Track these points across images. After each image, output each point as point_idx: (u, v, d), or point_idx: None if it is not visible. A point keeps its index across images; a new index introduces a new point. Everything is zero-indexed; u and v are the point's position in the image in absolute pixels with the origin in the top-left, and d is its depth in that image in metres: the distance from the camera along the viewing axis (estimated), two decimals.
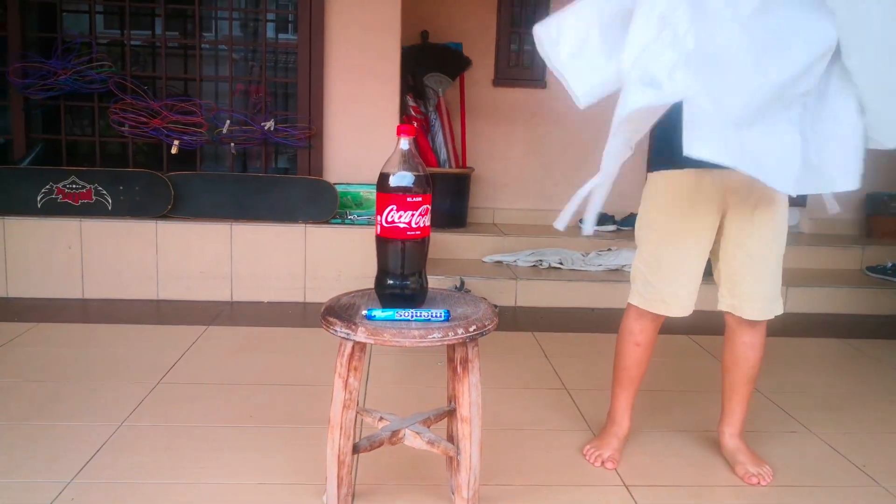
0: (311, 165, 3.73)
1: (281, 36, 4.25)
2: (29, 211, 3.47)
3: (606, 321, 3.43)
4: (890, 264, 3.93)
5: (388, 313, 1.46)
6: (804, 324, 3.51)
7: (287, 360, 2.69)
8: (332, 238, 3.58)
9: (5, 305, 3.34)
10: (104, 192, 3.53)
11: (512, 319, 3.41)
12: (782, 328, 3.37)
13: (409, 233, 1.48)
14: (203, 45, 3.82)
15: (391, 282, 1.51)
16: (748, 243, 1.78)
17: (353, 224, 3.64)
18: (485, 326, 1.47)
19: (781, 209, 1.78)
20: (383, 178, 1.49)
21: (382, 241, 1.50)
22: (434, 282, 3.52)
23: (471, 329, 1.44)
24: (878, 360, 2.99)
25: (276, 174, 3.85)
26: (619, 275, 3.75)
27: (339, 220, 3.65)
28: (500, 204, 4.57)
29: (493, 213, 4.57)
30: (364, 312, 1.46)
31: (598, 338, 3.16)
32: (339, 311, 1.51)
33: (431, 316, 1.46)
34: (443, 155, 4.25)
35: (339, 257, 3.55)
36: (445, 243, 4.07)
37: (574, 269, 3.81)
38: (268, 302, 3.53)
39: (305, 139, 3.68)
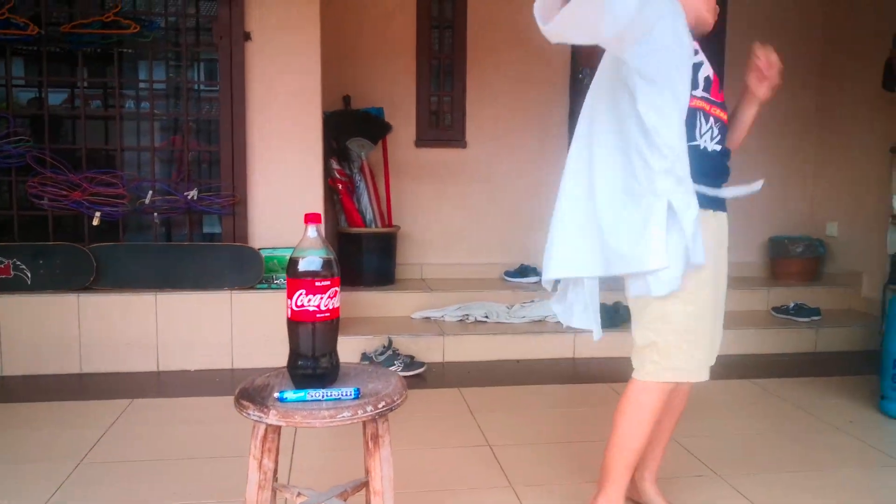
0: (235, 232, 3.77)
1: (204, 105, 4.30)
2: None
3: (531, 372, 3.56)
4: (793, 304, 4.19)
5: (300, 394, 1.52)
6: (715, 366, 3.69)
7: (213, 431, 2.70)
8: (259, 303, 3.61)
9: None
10: (23, 266, 3.48)
11: (440, 376, 3.49)
12: None
13: (318, 315, 1.55)
14: (124, 116, 3.85)
15: (303, 363, 1.58)
16: (720, 299, 1.94)
17: (280, 288, 3.68)
18: (394, 402, 1.54)
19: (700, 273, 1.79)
20: (292, 263, 1.57)
21: (293, 325, 1.57)
22: (363, 341, 3.61)
23: (380, 405, 1.51)
24: (784, 399, 3.18)
25: (200, 242, 3.87)
26: (541, 326, 3.88)
27: (266, 286, 3.68)
28: (428, 259, 4.68)
29: (422, 268, 4.67)
30: (276, 395, 1.52)
31: (523, 390, 3.27)
32: (253, 394, 1.56)
33: (342, 395, 1.52)
34: (369, 215, 4.35)
35: (267, 322, 3.58)
36: (374, 301, 4.14)
37: (499, 322, 3.93)
38: (195, 370, 3.52)
39: (229, 206, 3.72)
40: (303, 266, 1.56)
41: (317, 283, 1.55)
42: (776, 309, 4.26)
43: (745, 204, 4.91)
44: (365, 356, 3.51)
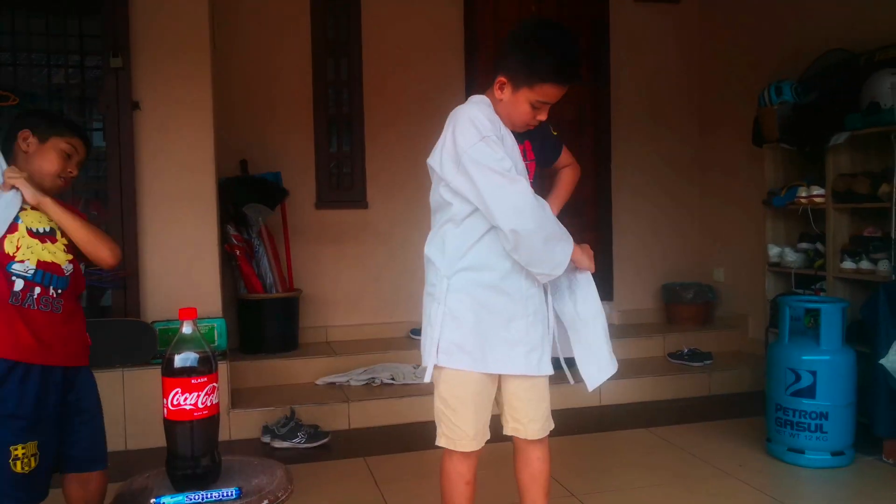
0: (127, 305, 3.63)
1: (91, 175, 4.16)
2: None
3: (434, 434, 3.54)
4: (686, 350, 4.37)
5: (178, 498, 1.47)
6: (615, 415, 3.80)
7: None
8: (154, 380, 3.40)
9: None
10: None
11: (345, 445, 3.42)
12: (598, 423, 3.65)
13: (196, 414, 1.52)
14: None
15: (182, 463, 1.52)
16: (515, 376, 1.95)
17: None
18: (277, 498, 1.51)
19: None
20: (167, 362, 1.53)
21: (170, 424, 1.52)
22: (264, 413, 3.53)
23: (263, 503, 1.47)
24: (679, 446, 3.29)
25: (88, 318, 3.69)
26: None
27: (161, 360, 3.54)
28: (332, 321, 4.63)
29: (326, 331, 4.61)
30: (153, 500, 1.46)
31: (427, 455, 3.23)
32: (129, 500, 1.50)
33: (223, 495, 1.48)
34: (269, 279, 4.28)
35: (147, 397, 3.43)
36: (276, 369, 4.06)
37: (406, 384, 3.91)
38: None
39: (119, 279, 3.59)
40: (178, 363, 1.53)
41: (193, 381, 1.52)
42: (672, 355, 4.43)
43: (638, 252, 5.15)
44: (266, 429, 3.42)
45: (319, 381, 3.99)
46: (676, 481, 2.88)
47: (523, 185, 1.80)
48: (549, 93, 1.82)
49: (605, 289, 5.09)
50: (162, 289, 3.68)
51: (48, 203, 1.84)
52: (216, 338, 3.64)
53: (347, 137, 4.74)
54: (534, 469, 2.00)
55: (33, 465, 1.75)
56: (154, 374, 3.44)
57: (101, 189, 3.72)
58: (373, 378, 3.94)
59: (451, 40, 4.77)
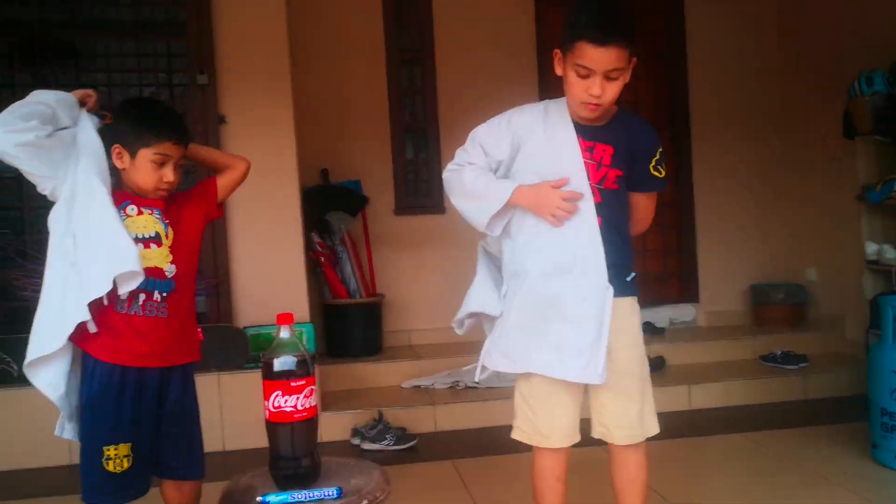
0: (220, 312, 3.77)
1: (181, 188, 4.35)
2: None
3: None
4: (780, 352, 4.20)
5: (283, 497, 1.51)
6: (708, 421, 3.69)
7: None
8: (247, 383, 3.57)
9: None
10: (8, 359, 3.46)
11: (431, 448, 3.45)
12: (689, 428, 3.56)
13: (296, 416, 1.56)
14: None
15: (284, 464, 1.57)
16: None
17: None
18: (376, 498, 1.54)
19: (632, 338, 1.90)
20: (267, 365, 1.58)
21: (272, 426, 1.57)
22: (353, 416, 3.58)
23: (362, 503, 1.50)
24: (776, 452, 3.16)
25: None
26: None
27: (254, 364, 3.66)
28: (415, 326, 4.68)
29: (409, 335, 4.66)
30: (259, 498, 1.51)
31: (517, 458, 3.21)
32: (236, 497, 1.55)
33: (324, 495, 1.52)
34: (352, 285, 4.36)
35: (256, 401, 3.50)
36: (362, 373, 4.13)
37: (491, 387, 3.91)
38: None
39: (213, 288, 3.73)
40: (277, 367, 1.58)
41: (292, 384, 1.57)
42: (763, 357, 4.27)
43: (724, 253, 5.00)
44: (356, 431, 3.48)
45: (404, 385, 4.04)
46: (775, 489, 2.77)
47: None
48: (589, 55, 1.68)
49: (692, 291, 4.98)
50: (252, 296, 3.81)
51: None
52: (304, 343, 3.74)
53: (423, 144, 4.79)
54: (630, 474, 1.94)
55: (126, 465, 1.77)
56: (246, 377, 3.58)
57: None
58: (457, 381, 3.96)
59: (522, 43, 4.76)
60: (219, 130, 3.74)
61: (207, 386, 3.52)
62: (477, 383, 3.92)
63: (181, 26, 3.80)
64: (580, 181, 1.80)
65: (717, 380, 3.96)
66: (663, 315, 4.89)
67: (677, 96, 4.98)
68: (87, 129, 1.81)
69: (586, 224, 1.81)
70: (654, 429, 1.94)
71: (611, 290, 1.82)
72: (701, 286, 4.98)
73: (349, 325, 4.32)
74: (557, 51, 1.79)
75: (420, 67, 4.76)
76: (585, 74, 1.72)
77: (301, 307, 3.81)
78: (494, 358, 1.93)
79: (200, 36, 3.72)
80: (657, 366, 4.10)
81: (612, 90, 1.73)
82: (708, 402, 3.87)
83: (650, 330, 4.61)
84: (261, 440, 3.42)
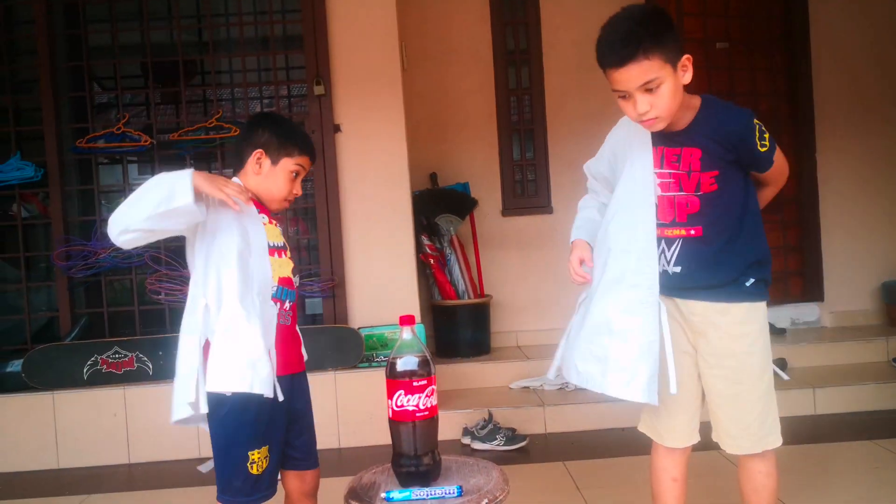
0: (336, 313, 3.93)
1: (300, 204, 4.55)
2: (76, 384, 3.67)
3: (636, 441, 3.45)
4: None
5: (405, 494, 1.57)
6: (834, 427, 3.51)
7: None
8: (361, 382, 3.71)
9: (57, 478, 3.49)
10: (145, 358, 3.74)
11: (542, 449, 3.46)
12: (813, 434, 3.39)
13: (418, 414, 1.62)
14: None
15: (406, 461, 1.63)
16: (713, 381, 1.85)
17: (380, 366, 3.78)
18: (496, 498, 1.57)
19: (746, 345, 1.83)
20: (390, 365, 1.65)
21: (395, 424, 1.64)
22: (463, 416, 3.64)
23: (483, 503, 1.54)
24: None
25: (304, 325, 4.03)
26: None
27: (367, 364, 3.79)
28: (522, 327, 4.69)
29: (516, 336, 4.69)
30: (383, 495, 1.58)
31: (629, 461, 3.18)
32: (361, 494, 1.63)
33: (445, 493, 1.57)
34: (461, 286, 4.43)
35: (370, 400, 3.67)
36: (471, 373, 4.18)
37: None
38: None
39: (329, 290, 3.89)
40: (400, 367, 1.64)
41: (414, 384, 1.62)
42: None
43: (851, 249, 4.73)
44: (466, 431, 3.54)
45: (513, 385, 4.07)
46: None
47: None
48: (615, 79, 1.66)
49: (816, 289, 4.73)
50: (365, 297, 3.94)
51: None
52: None
53: (530, 145, 4.80)
54: (756, 483, 1.89)
55: (265, 466, 1.84)
56: (360, 376, 3.71)
57: (310, 206, 4.05)
58: (566, 382, 3.94)
59: None
60: (334, 139, 3.89)
61: (324, 384, 3.69)
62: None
63: (299, 39, 3.99)
64: (646, 205, 1.79)
65: (845, 383, 3.76)
66: (784, 315, 4.68)
67: (800, 85, 4.75)
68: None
69: (642, 239, 1.79)
70: (774, 441, 1.86)
71: (664, 307, 1.79)
72: (826, 284, 4.72)
73: (458, 326, 4.38)
74: None
75: (527, 67, 4.77)
76: (624, 96, 1.70)
77: (412, 308, 3.91)
78: (555, 363, 1.96)
79: (317, 48, 3.89)
80: (780, 367, 3.93)
81: (661, 99, 1.66)
82: (834, 406, 3.68)
83: (770, 331, 4.41)
84: (374, 437, 3.59)
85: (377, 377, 3.68)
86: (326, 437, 3.67)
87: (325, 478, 3.21)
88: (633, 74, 1.63)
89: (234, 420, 1.78)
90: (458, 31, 4.73)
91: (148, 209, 1.64)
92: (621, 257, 1.81)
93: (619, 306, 1.78)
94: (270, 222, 1.91)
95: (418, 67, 4.60)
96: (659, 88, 1.65)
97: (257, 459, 1.82)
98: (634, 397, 1.75)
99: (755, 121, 1.73)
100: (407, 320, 1.66)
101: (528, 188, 4.78)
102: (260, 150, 1.89)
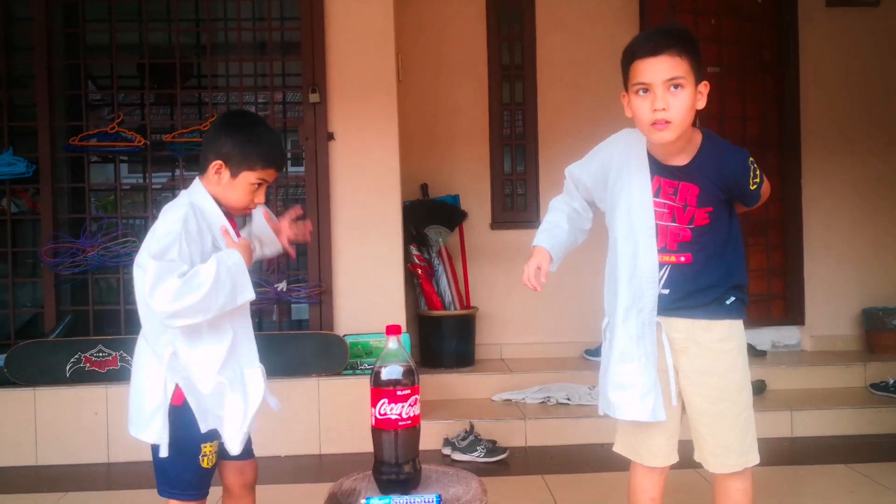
0: (322, 319, 3.94)
1: (290, 201, 4.58)
2: (58, 380, 3.66)
3: (615, 458, 3.48)
4: (892, 381, 3.99)
5: (385, 500, 1.59)
6: (811, 450, 3.56)
7: None
8: (344, 389, 3.73)
9: (35, 475, 3.47)
10: (129, 358, 3.73)
11: (522, 462, 3.48)
12: (790, 456, 3.44)
13: (400, 423, 1.64)
14: None
15: (387, 469, 1.66)
16: (696, 399, 1.88)
17: (364, 374, 3.80)
18: None
19: (728, 364, 1.87)
20: (375, 374, 1.67)
21: (377, 432, 1.66)
22: (445, 426, 3.66)
23: None
24: (888, 487, 3.01)
25: (289, 331, 4.06)
26: None
27: (351, 371, 3.81)
28: (506, 340, 4.72)
29: (501, 348, 4.72)
30: (363, 501, 1.60)
31: (608, 477, 3.21)
32: (341, 499, 1.65)
33: (424, 501, 1.59)
34: (447, 297, 4.46)
35: (353, 408, 3.68)
36: (454, 384, 4.20)
37: (581, 405, 3.90)
38: (285, 455, 3.64)
39: (316, 296, 3.91)
40: (385, 375, 1.66)
41: (398, 392, 1.65)
42: (875, 385, 4.07)
43: (834, 274, 4.79)
44: (447, 441, 3.56)
45: (495, 398, 4.09)
46: None
47: None
48: (642, 69, 1.75)
49: (797, 313, 4.79)
50: (352, 305, 3.96)
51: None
52: None
53: (521, 159, 4.85)
54: (733, 501, 1.91)
55: (214, 460, 1.88)
56: (344, 383, 3.73)
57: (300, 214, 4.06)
58: (548, 397, 3.98)
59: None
60: (328, 147, 3.92)
61: (307, 390, 3.70)
62: (568, 400, 3.94)
63: (296, 47, 4.02)
64: (647, 233, 1.85)
65: (823, 407, 3.81)
66: (765, 337, 4.74)
67: (787, 111, 4.83)
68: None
69: (645, 265, 1.85)
70: (753, 459, 1.90)
71: (661, 325, 1.86)
72: (807, 308, 4.79)
73: (443, 337, 4.41)
74: (624, 94, 1.85)
75: (521, 83, 4.83)
76: (646, 89, 1.72)
77: (399, 317, 3.93)
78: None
79: (314, 56, 3.92)
80: (758, 390, 3.98)
81: (678, 103, 1.68)
82: (811, 429, 3.73)
83: (750, 352, 4.47)
84: (356, 445, 3.60)
85: (361, 385, 3.71)
86: (308, 443, 3.68)
87: (306, 483, 3.24)
88: (663, 67, 1.68)
89: (189, 415, 1.81)
90: (453, 45, 4.78)
91: (215, 309, 1.74)
92: (630, 284, 1.87)
93: (632, 332, 1.86)
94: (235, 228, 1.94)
95: (413, 79, 4.65)
96: (681, 90, 1.68)
97: (209, 453, 1.86)
98: (656, 418, 1.84)
99: (750, 159, 1.80)
100: (393, 330, 1.69)
101: (518, 202, 4.83)
102: (219, 161, 1.84)
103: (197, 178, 1.90)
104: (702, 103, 1.74)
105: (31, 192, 4.12)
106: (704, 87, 1.74)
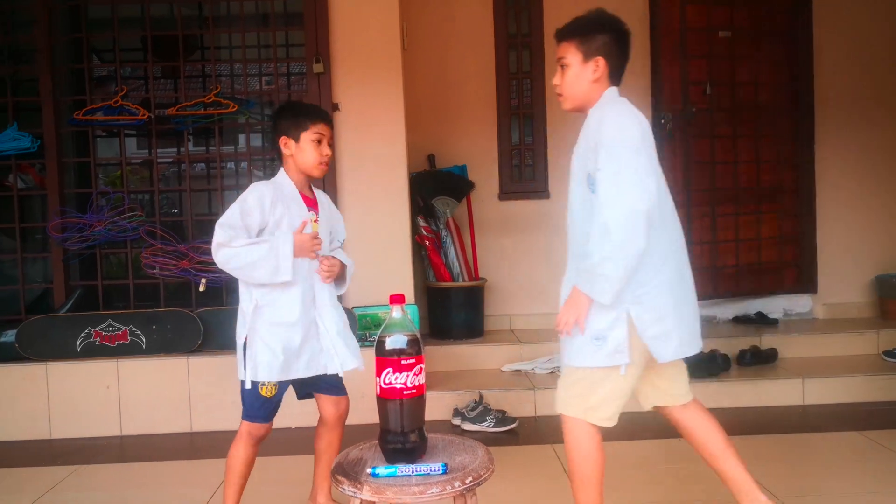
0: None
1: None
2: (69, 355, 3.69)
3: (623, 427, 3.48)
4: None
5: (391, 470, 1.59)
6: (822, 417, 3.54)
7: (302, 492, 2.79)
8: None
9: (49, 448, 3.51)
10: (138, 332, 3.75)
11: (532, 432, 3.48)
12: (801, 424, 3.42)
13: (405, 392, 1.63)
14: (225, 186, 4.12)
15: (392, 438, 1.65)
16: None
17: (373, 346, 3.79)
18: (481, 476, 1.59)
19: None
20: (380, 343, 1.66)
21: (382, 401, 1.65)
22: (454, 397, 3.67)
23: (467, 481, 1.56)
24: None
25: None
26: None
27: (360, 343, 3.80)
28: (515, 310, 4.71)
29: (510, 319, 4.70)
30: (368, 470, 1.60)
31: (617, 447, 3.20)
32: (347, 469, 1.64)
33: (430, 470, 1.58)
34: (455, 269, 4.44)
35: (360, 379, 3.66)
36: (463, 355, 4.20)
37: None
38: (295, 427, 3.66)
39: None
40: (389, 345, 1.65)
41: (403, 362, 1.64)
42: (888, 353, 4.03)
43: (847, 242, 4.73)
44: (457, 412, 3.56)
45: (505, 368, 4.09)
46: None
47: None
48: None
49: (809, 281, 4.75)
50: (359, 277, 3.91)
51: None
52: None
53: (529, 129, 4.79)
54: (705, 412, 2.17)
55: (274, 392, 2.32)
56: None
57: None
58: (557, 367, 3.96)
59: (634, 26, 4.63)
60: (333, 118, 3.87)
61: None
62: None
63: (299, 17, 3.96)
64: None
65: (834, 374, 3.78)
66: (777, 305, 4.70)
67: (801, 77, 4.74)
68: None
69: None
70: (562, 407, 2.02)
71: None
72: (820, 276, 4.74)
73: (451, 308, 4.40)
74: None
75: (528, 51, 4.75)
76: (562, 66, 2.08)
77: (406, 289, 3.92)
78: None
79: (317, 25, 3.86)
80: (770, 357, 3.95)
81: (566, 79, 2.07)
82: (823, 397, 3.71)
83: (762, 321, 4.44)
84: (363, 416, 3.59)
85: (369, 357, 3.70)
86: (316, 414, 3.69)
87: (311, 455, 3.25)
88: (558, 50, 2.06)
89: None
90: (460, 13, 4.70)
91: (253, 277, 2.22)
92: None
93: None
94: (315, 221, 2.35)
95: (419, 48, 4.58)
96: (567, 69, 2.03)
97: (268, 385, 2.31)
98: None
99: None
100: (397, 299, 1.67)
101: (526, 173, 4.78)
102: (282, 137, 2.31)
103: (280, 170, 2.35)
104: (595, 75, 2.01)
105: (37, 168, 4.11)
106: (596, 63, 2.00)
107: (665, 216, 1.92)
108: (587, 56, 2.00)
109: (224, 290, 3.92)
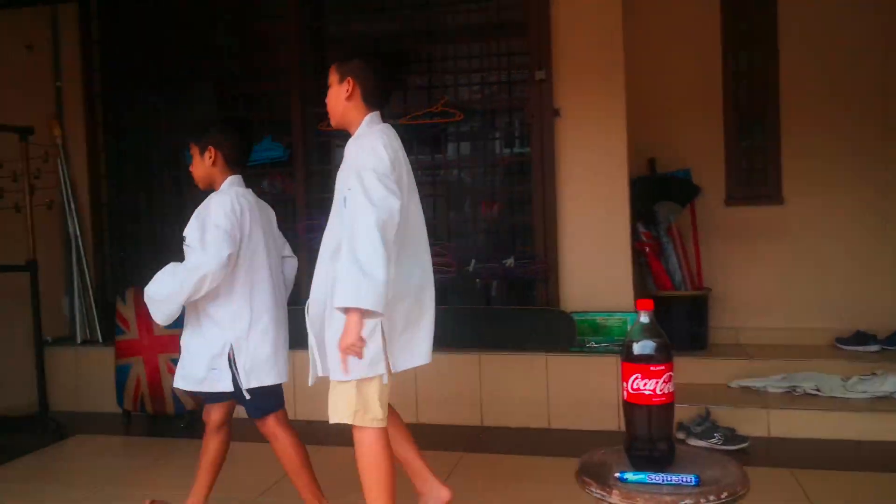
0: (548, 296, 3.95)
1: (516, 178, 4.61)
2: None
3: (874, 457, 3.14)
4: None
5: (640, 476, 1.55)
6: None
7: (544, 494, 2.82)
8: (573, 367, 3.72)
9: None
10: None
11: (765, 453, 3.25)
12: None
13: (654, 399, 1.59)
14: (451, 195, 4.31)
15: (640, 445, 1.61)
16: None
17: (592, 352, 3.76)
18: (737, 492, 1.50)
19: None
20: (627, 347, 1.63)
21: (629, 407, 1.62)
22: (678, 410, 3.47)
23: (722, 496, 1.48)
24: None
25: (516, 306, 4.11)
26: (888, 403, 3.43)
27: (578, 348, 3.78)
28: (744, 324, 4.41)
29: (737, 333, 4.41)
30: (617, 474, 1.57)
31: (867, 477, 2.90)
32: (594, 471, 1.63)
33: (682, 480, 1.53)
34: (677, 277, 4.26)
35: (581, 385, 3.67)
36: (686, 368, 3.99)
37: (833, 397, 3.55)
38: (515, 427, 3.72)
39: (542, 272, 3.92)
40: (637, 350, 1.62)
41: (652, 368, 1.59)
42: None
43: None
44: (682, 426, 3.41)
45: (732, 384, 3.85)
46: None
47: None
48: None
49: None
50: (578, 282, 3.93)
51: None
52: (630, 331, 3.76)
53: (759, 130, 4.48)
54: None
55: None
56: (572, 360, 3.72)
57: (525, 191, 4.09)
58: (794, 386, 3.66)
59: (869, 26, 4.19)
60: (553, 123, 3.90)
61: (535, 366, 3.74)
62: (817, 391, 3.60)
63: (521, 27, 4.03)
64: None
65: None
66: None
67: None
68: None
69: None
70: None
71: None
72: None
73: (673, 318, 4.22)
74: None
75: (759, 51, 4.45)
76: None
77: (626, 295, 3.84)
78: None
79: (539, 34, 3.91)
80: None
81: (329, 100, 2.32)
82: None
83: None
84: (583, 422, 3.58)
85: (591, 364, 3.68)
86: (536, 417, 3.72)
87: (533, 455, 3.28)
88: None
89: None
90: (683, 12, 4.52)
91: None
92: None
93: None
94: None
95: (639, 49, 4.44)
96: (330, 89, 2.30)
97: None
98: None
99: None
100: (645, 304, 1.64)
101: (756, 177, 4.47)
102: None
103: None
104: (346, 94, 2.24)
105: (284, 175, 4.54)
106: (348, 84, 2.24)
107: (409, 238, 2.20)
108: (342, 77, 2.25)
109: (445, 291, 4.06)
